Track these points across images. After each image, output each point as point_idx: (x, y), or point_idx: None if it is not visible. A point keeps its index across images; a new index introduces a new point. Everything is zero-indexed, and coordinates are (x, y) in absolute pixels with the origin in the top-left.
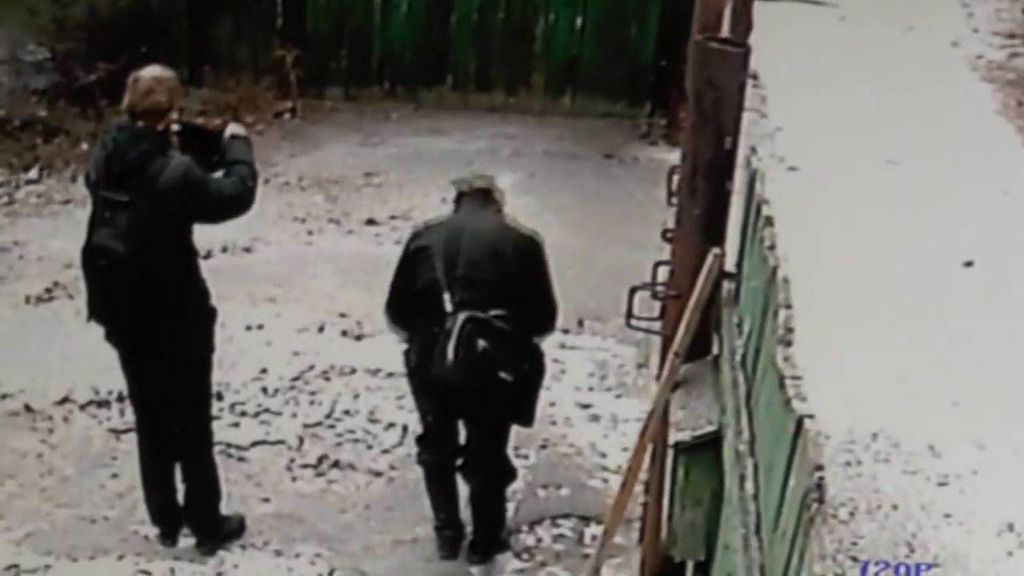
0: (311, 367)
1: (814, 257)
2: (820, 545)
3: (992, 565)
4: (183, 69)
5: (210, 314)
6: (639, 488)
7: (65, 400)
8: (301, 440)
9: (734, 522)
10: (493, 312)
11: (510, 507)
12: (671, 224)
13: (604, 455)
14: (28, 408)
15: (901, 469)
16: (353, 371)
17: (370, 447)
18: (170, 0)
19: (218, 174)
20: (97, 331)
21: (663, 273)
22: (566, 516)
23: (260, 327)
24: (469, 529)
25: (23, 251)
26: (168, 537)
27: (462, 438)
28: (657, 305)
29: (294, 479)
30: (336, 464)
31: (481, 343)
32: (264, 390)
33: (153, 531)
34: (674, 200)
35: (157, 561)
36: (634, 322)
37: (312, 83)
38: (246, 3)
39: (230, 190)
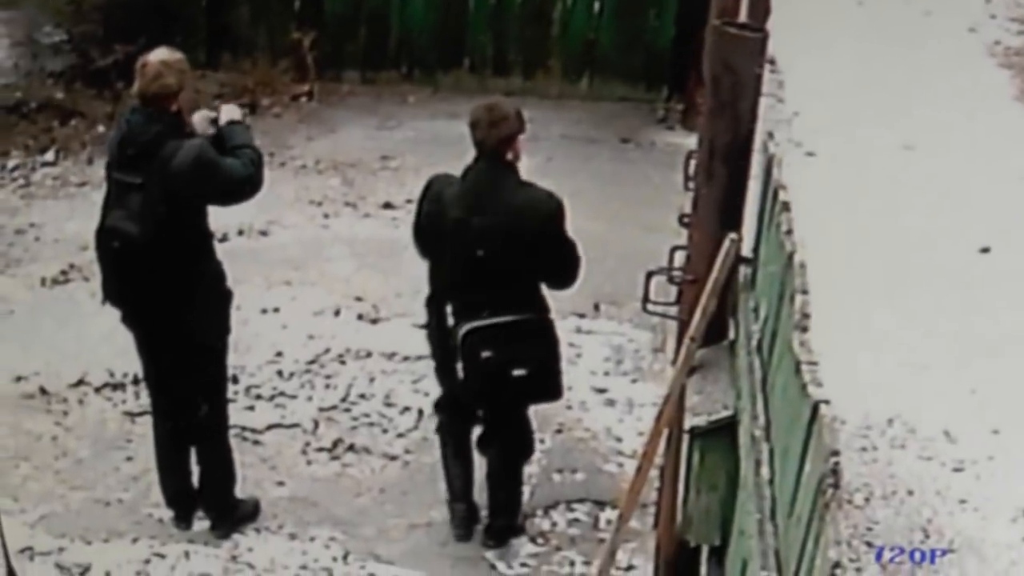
0: (327, 350)
1: (831, 242)
2: (835, 530)
3: (1007, 551)
4: (200, 52)
5: (226, 297)
6: (654, 473)
7: (80, 383)
8: (316, 424)
9: (749, 507)
10: (500, 310)
11: (525, 491)
12: (688, 209)
13: (619, 440)
14: (43, 390)
15: (917, 455)
16: (369, 355)
17: (385, 431)
18: None
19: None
20: (112, 314)
21: (680, 258)
22: (581, 500)
23: (276, 310)
24: (484, 513)
25: (39, 233)
26: (183, 520)
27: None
28: (673, 290)
29: (309, 463)
30: (351, 448)
31: (484, 354)
32: (279, 373)
33: (167, 514)
34: (691, 185)
35: (171, 544)
36: (650, 307)
37: (329, 66)
38: None
39: (241, 172)
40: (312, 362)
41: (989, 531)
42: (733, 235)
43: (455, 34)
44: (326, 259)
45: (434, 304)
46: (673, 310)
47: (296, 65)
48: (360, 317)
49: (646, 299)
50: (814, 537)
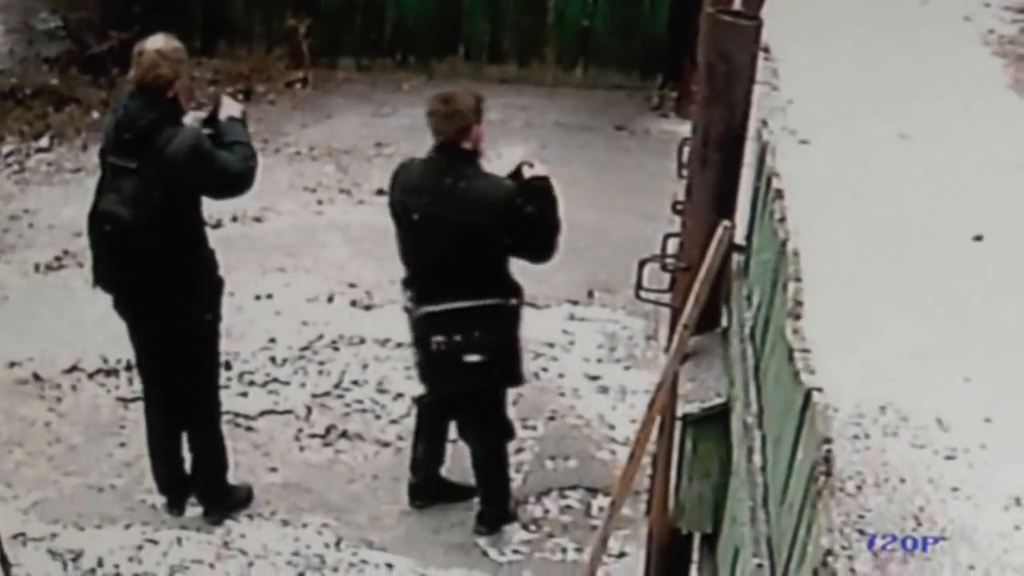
0: (320, 337)
1: (824, 230)
2: (827, 518)
3: (999, 539)
4: (195, 39)
5: (217, 285)
6: (647, 460)
7: (74, 368)
8: (309, 410)
9: (742, 494)
10: (459, 295)
11: (517, 477)
12: (681, 196)
13: (612, 427)
14: (36, 376)
15: (909, 443)
16: (362, 341)
17: (378, 417)
18: None
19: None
20: (106, 300)
21: (673, 245)
22: (574, 487)
23: (269, 297)
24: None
25: (33, 219)
26: (175, 506)
27: None
28: (667, 277)
29: (302, 449)
30: (344, 434)
31: (436, 339)
32: (273, 360)
33: (160, 500)
34: (685, 172)
35: (164, 530)
36: (643, 294)
37: (324, 53)
38: None
39: (236, 166)
40: (305, 348)
41: (981, 519)
42: (726, 223)
43: (450, 21)
44: (320, 246)
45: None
46: (666, 297)
47: (291, 52)
48: (354, 304)
49: (639, 286)
50: (806, 524)
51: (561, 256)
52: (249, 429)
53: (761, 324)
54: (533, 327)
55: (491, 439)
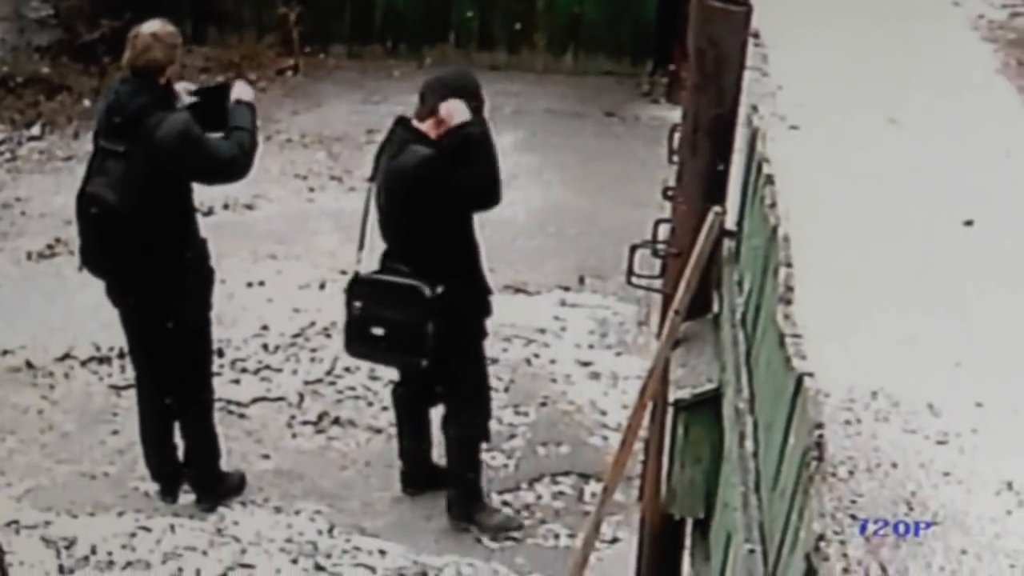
0: (312, 324)
1: (815, 216)
2: (819, 503)
3: (991, 524)
4: (186, 26)
5: (208, 275)
6: (639, 446)
7: (66, 356)
8: (301, 397)
9: (733, 480)
10: (396, 269)
11: (510, 464)
12: (672, 182)
13: (604, 413)
14: (29, 364)
15: (901, 428)
16: None
17: (370, 404)
18: None
19: (219, 136)
20: (98, 287)
21: (664, 231)
22: (566, 473)
23: (261, 284)
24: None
25: (25, 207)
26: (168, 494)
27: None
28: (658, 263)
29: (294, 436)
30: (336, 421)
31: (356, 304)
32: (265, 347)
33: (153, 487)
34: (675, 158)
35: (157, 517)
36: (635, 280)
37: (314, 40)
38: None
39: (226, 152)
40: (297, 335)
41: (973, 504)
42: (717, 208)
43: (441, 8)
44: (312, 233)
45: None
46: (657, 283)
47: (282, 39)
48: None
49: (630, 272)
50: (798, 510)
51: (552, 243)
52: (241, 416)
53: (752, 310)
54: (524, 313)
55: (461, 436)
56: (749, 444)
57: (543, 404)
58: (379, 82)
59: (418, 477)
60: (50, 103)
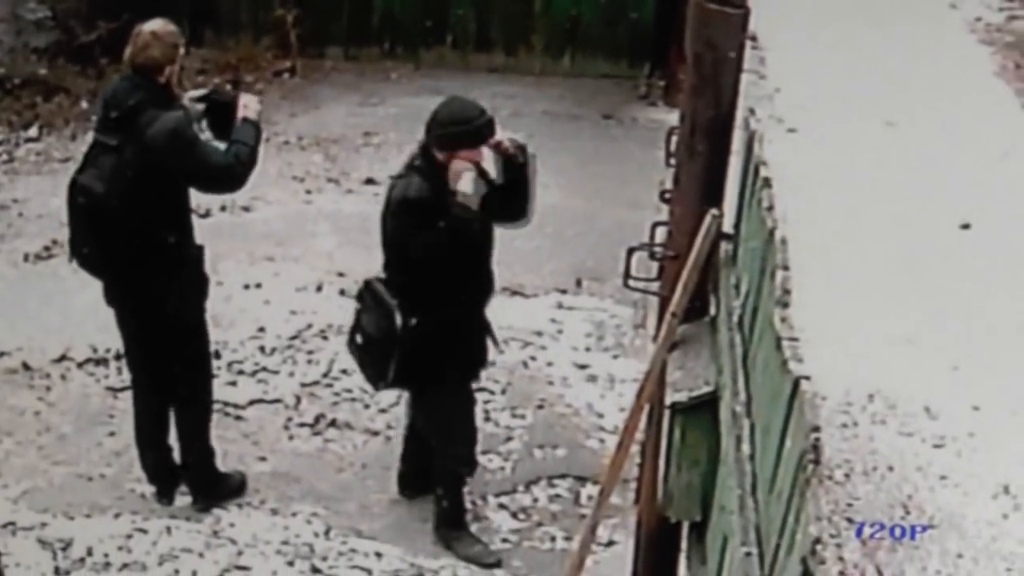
0: (309, 326)
1: (812, 218)
2: (816, 506)
3: (988, 527)
4: (184, 28)
5: (201, 280)
6: (635, 449)
7: (63, 358)
8: (298, 399)
9: (730, 483)
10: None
11: (507, 466)
12: (669, 185)
13: (601, 415)
14: (26, 366)
15: (897, 431)
16: None
17: (367, 406)
18: None
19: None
20: (96, 289)
21: (661, 234)
22: (562, 476)
23: (258, 286)
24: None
25: (23, 209)
26: (164, 495)
27: None
28: (655, 266)
29: (291, 438)
30: (333, 423)
31: (357, 307)
32: (262, 349)
33: (150, 489)
34: (672, 161)
35: (153, 519)
36: (632, 282)
37: (312, 43)
38: None
39: (218, 160)
40: (294, 338)
41: (970, 507)
42: (714, 211)
43: (438, 10)
44: (309, 235)
45: None
46: (654, 286)
47: (279, 42)
48: (342, 293)
49: (627, 275)
50: (795, 513)
51: (549, 245)
52: (238, 418)
53: (749, 312)
54: (521, 316)
55: (438, 465)
56: (746, 447)
57: (540, 407)
58: (376, 84)
59: (417, 480)
60: (47, 105)
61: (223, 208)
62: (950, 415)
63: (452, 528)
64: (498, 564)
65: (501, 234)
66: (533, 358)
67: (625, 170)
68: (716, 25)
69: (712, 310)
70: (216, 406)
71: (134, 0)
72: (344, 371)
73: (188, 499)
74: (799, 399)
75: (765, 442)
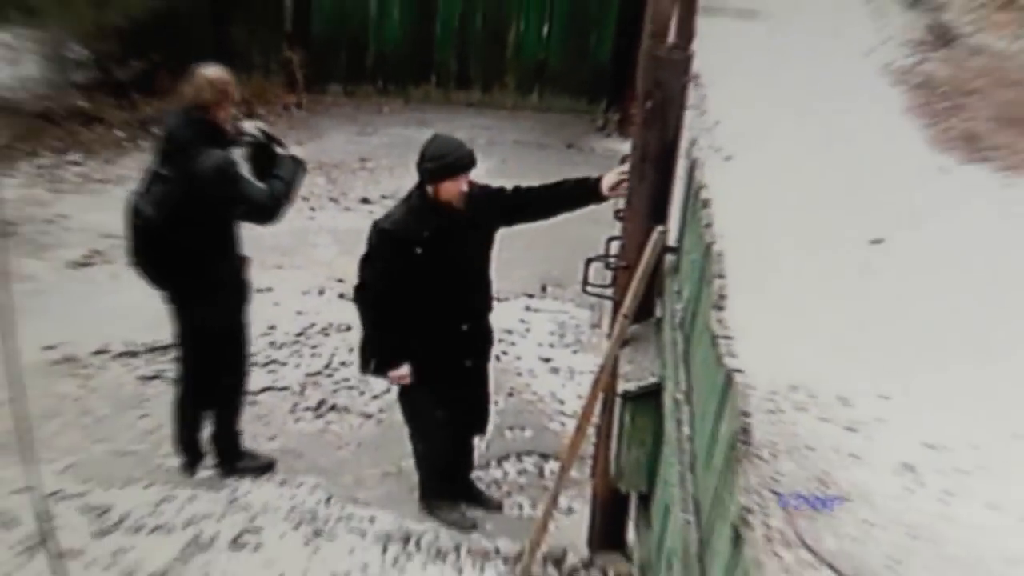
0: (312, 324)
1: (745, 235)
2: (745, 480)
3: (893, 500)
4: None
5: (242, 291)
6: (592, 430)
7: (101, 351)
8: (303, 387)
9: (672, 460)
10: None
11: (481, 445)
12: (622, 205)
13: (562, 402)
14: (69, 358)
15: (816, 417)
16: (348, 328)
17: (362, 393)
18: (194, 8)
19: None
20: (129, 293)
21: (615, 247)
22: (529, 453)
23: (269, 290)
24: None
25: (66, 223)
26: (190, 468)
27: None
28: (609, 274)
29: (297, 420)
30: (333, 407)
31: None
32: (272, 344)
33: (177, 463)
34: (621, 215)
35: (179, 489)
36: (589, 288)
37: (315, 81)
38: (259, 11)
39: (259, 196)
40: (300, 334)
41: (877, 482)
42: (660, 227)
43: (424, 54)
44: (312, 246)
45: None
46: (609, 292)
47: (287, 79)
48: (341, 296)
49: (585, 282)
50: (727, 486)
51: (518, 255)
52: (252, 403)
53: (689, 315)
54: (495, 317)
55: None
56: (686, 430)
57: (510, 394)
58: (370, 116)
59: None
60: (88, 133)
61: None
62: (861, 403)
63: (434, 498)
64: (473, 527)
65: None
66: (505, 353)
67: None
68: (663, 68)
69: (658, 312)
70: None
71: (162, 43)
72: (343, 363)
73: (209, 472)
74: (731, 389)
75: (702, 425)
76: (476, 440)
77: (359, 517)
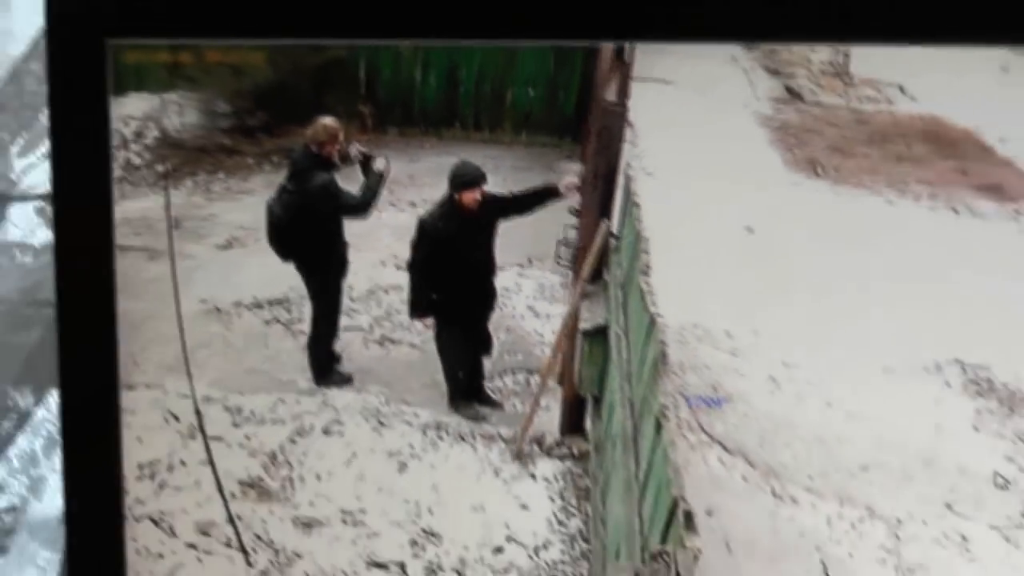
0: (378, 285)
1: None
2: (663, 387)
3: (761, 400)
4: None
5: (341, 265)
6: (562, 355)
7: (237, 304)
8: (371, 326)
9: (615, 374)
10: None
11: (488, 364)
12: (579, 206)
13: (543, 336)
14: (216, 308)
15: (711, 345)
16: (400, 288)
17: (410, 331)
18: (299, 80)
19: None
20: (259, 266)
21: (574, 234)
22: (521, 370)
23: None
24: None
25: (215, 219)
26: (321, 380)
27: None
28: (572, 251)
29: (367, 348)
30: (392, 340)
31: None
32: (351, 298)
33: (289, 377)
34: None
35: (289, 395)
36: (560, 261)
37: (379, 126)
38: (342, 81)
39: (353, 203)
40: (370, 292)
41: (751, 388)
42: (607, 221)
43: (451, 108)
44: (377, 235)
45: None
46: (572, 263)
47: (360, 124)
48: (397, 267)
49: (558, 256)
50: (652, 391)
51: (514, 238)
52: (340, 337)
53: (626, 278)
54: (498, 280)
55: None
56: (624, 354)
57: (508, 330)
58: (416, 150)
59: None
60: (229, 160)
61: None
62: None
63: (457, 400)
64: (484, 419)
65: (500, 230)
66: (504, 304)
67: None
68: (608, 115)
69: (605, 277)
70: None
71: (279, 101)
72: (397, 311)
73: (309, 384)
74: (654, 327)
75: (634, 352)
76: (484, 360)
77: (408, 413)
